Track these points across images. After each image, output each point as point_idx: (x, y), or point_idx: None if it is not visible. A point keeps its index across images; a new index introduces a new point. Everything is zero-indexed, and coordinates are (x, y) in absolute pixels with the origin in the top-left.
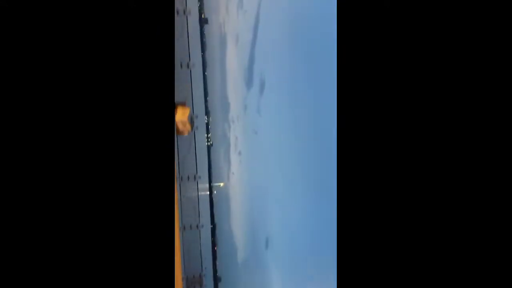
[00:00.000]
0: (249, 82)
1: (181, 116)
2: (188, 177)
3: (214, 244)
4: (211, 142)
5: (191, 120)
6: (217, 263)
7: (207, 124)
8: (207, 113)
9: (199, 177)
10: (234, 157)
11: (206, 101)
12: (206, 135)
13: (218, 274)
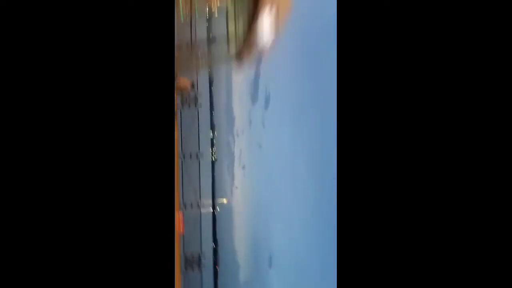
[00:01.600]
0: (254, 96)
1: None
2: (192, 192)
3: (215, 263)
4: (215, 157)
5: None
6: (218, 282)
7: (212, 140)
8: (212, 127)
9: (203, 193)
10: (238, 171)
11: (212, 116)
12: (210, 149)
13: None
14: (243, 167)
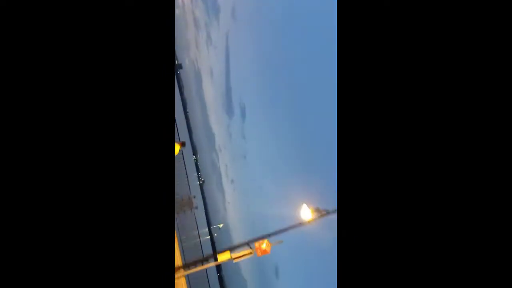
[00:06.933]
0: (229, 110)
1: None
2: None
3: (222, 283)
4: (203, 180)
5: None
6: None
7: (196, 162)
8: (194, 152)
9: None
10: (227, 186)
11: (191, 139)
12: (197, 173)
13: None
14: (232, 181)
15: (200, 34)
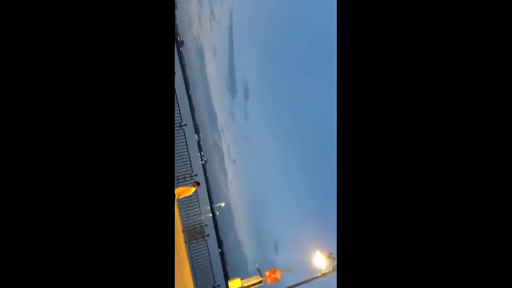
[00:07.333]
0: (232, 90)
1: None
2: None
3: (224, 263)
4: (205, 159)
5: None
6: (229, 275)
7: (199, 142)
8: (196, 131)
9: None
10: (229, 166)
11: (194, 119)
12: (199, 153)
13: None
14: (234, 161)
15: (203, 9)
